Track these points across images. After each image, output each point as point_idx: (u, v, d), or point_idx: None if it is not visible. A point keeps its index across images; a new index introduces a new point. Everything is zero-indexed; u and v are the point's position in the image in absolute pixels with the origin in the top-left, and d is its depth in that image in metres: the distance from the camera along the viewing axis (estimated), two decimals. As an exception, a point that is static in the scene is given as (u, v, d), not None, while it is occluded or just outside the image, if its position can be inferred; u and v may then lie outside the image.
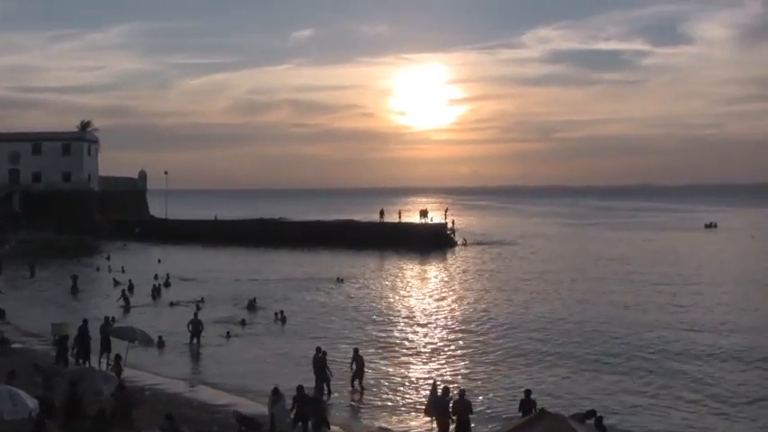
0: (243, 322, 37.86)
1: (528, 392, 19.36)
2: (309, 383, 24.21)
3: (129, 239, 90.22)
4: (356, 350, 25.97)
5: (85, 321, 29.38)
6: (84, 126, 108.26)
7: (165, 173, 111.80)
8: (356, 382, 25.08)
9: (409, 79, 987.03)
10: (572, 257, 70.76)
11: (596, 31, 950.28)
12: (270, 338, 34.73)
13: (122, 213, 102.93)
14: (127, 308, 43.20)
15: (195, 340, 32.72)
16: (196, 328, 33.02)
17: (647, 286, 50.16)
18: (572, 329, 35.09)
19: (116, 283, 51.47)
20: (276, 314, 39.30)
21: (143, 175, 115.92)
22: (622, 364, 28.18)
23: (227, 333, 35.23)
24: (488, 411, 22.31)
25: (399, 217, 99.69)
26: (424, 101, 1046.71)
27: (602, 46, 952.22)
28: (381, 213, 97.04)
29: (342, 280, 54.52)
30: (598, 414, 17.58)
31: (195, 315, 34.64)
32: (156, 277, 54.43)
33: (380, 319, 39.46)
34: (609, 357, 29.27)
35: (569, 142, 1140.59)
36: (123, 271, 59.80)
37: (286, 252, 79.31)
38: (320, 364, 24.59)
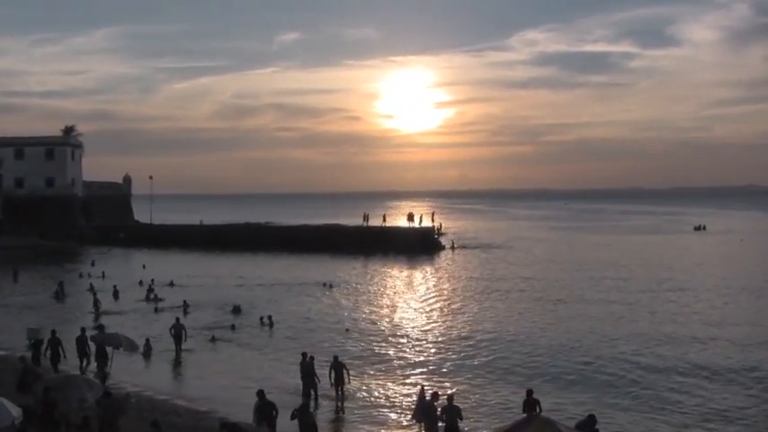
0: (233, 327, 37.80)
1: (529, 392, 19.46)
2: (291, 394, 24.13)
3: (113, 245, 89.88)
4: (335, 357, 25.58)
5: (83, 330, 29.48)
6: (68, 131, 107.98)
7: (150, 177, 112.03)
8: (340, 390, 24.75)
9: (396, 82, 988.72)
10: (560, 261, 70.89)
11: (584, 34, 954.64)
12: (256, 344, 34.62)
13: (107, 219, 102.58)
14: (97, 314, 42.83)
15: (178, 346, 32.64)
16: (178, 332, 32.93)
17: (635, 294, 49.07)
18: (557, 341, 33.84)
19: (91, 289, 51.25)
20: (262, 319, 39.26)
21: (127, 179, 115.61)
22: (605, 380, 27.10)
23: (213, 337, 35.30)
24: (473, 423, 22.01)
25: (384, 221, 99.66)
26: (411, 104, 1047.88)
27: (590, 48, 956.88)
28: (366, 217, 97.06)
29: (330, 285, 54.46)
30: (596, 417, 17.53)
31: (177, 320, 34.50)
32: (140, 283, 54.32)
33: (368, 325, 39.35)
34: (592, 372, 28.27)
35: (557, 145, 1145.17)
36: (104, 277, 59.42)
37: (272, 257, 79.18)
38: (308, 370, 24.43)
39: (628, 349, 32.16)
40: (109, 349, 27.23)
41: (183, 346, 32.53)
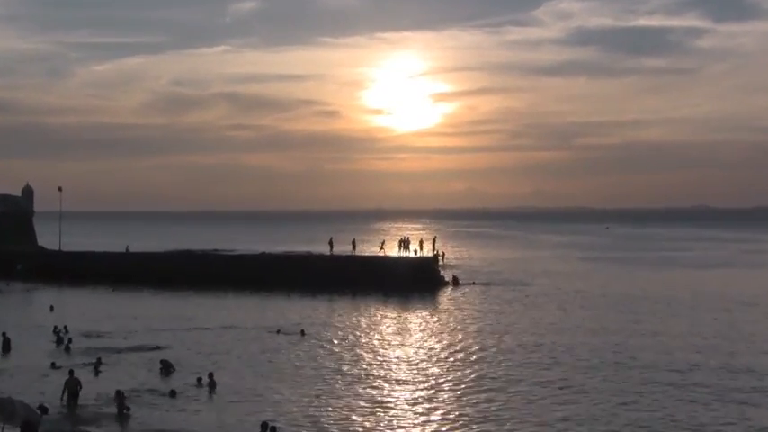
0: (172, 394, 37.32)
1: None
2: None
3: (9, 279, 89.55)
4: None
5: None
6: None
7: (60, 189, 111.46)
8: None
9: (386, 67, 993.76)
10: (592, 309, 69.18)
11: (635, 3, 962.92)
12: (192, 412, 34.50)
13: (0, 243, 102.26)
14: None
15: (72, 402, 33.10)
16: (73, 389, 33.11)
17: (694, 372, 42.75)
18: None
19: None
20: (200, 379, 39.28)
21: (28, 191, 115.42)
22: None
23: (117, 393, 35.21)
24: None
25: (353, 248, 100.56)
26: (406, 95, 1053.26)
27: (643, 22, 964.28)
28: (331, 242, 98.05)
29: (302, 332, 54.97)
30: None
31: (71, 373, 35.07)
32: (55, 330, 53.94)
33: (342, 390, 39.11)
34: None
35: (597, 151, 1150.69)
36: None
37: (221, 295, 79.57)
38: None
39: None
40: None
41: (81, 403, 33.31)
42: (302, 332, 55.06)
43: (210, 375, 39.24)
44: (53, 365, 43.76)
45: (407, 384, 40.46)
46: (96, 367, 42.73)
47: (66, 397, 33.78)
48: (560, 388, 38.53)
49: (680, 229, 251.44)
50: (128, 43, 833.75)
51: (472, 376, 42.00)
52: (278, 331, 55.63)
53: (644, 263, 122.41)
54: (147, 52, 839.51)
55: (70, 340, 50.66)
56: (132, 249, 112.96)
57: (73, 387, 33.68)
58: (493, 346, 50.78)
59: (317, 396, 37.19)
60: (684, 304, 72.01)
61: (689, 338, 53.14)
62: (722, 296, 77.87)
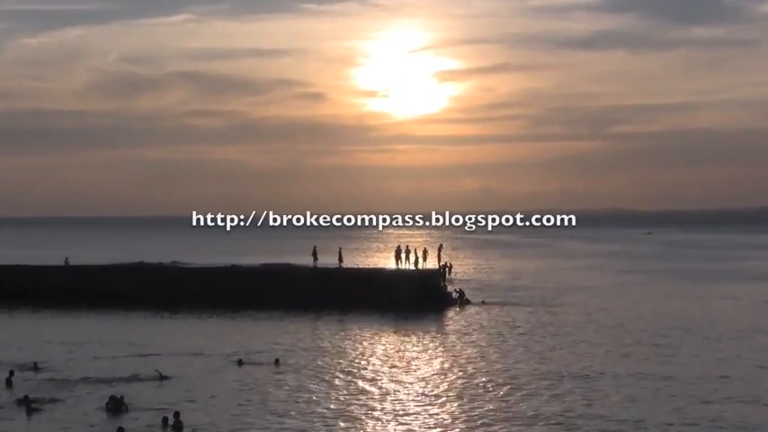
0: (121, 434, 37.66)
1: None
2: None
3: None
4: None
5: None
6: None
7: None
8: None
9: (383, 39, 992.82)
10: (630, 336, 68.06)
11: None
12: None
13: None
14: None
15: None
16: None
17: None
18: None
19: None
20: (165, 419, 39.35)
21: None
22: None
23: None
24: None
25: (340, 259, 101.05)
26: (406, 74, 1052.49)
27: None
28: (315, 253, 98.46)
29: (276, 361, 55.13)
30: None
31: None
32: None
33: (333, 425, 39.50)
34: None
35: (638, 140, 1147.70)
36: None
37: (183, 316, 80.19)
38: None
39: None
40: None
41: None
42: (276, 361, 55.25)
43: (176, 415, 39.13)
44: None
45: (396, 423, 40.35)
46: (28, 406, 42.46)
47: None
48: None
49: (737, 236, 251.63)
50: (68, 11, 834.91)
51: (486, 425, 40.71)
52: (239, 361, 55.45)
53: (694, 276, 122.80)
54: (92, 22, 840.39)
55: (12, 373, 50.49)
56: (73, 262, 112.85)
57: None
58: (508, 388, 48.24)
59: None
60: (747, 330, 70.82)
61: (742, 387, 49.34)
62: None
